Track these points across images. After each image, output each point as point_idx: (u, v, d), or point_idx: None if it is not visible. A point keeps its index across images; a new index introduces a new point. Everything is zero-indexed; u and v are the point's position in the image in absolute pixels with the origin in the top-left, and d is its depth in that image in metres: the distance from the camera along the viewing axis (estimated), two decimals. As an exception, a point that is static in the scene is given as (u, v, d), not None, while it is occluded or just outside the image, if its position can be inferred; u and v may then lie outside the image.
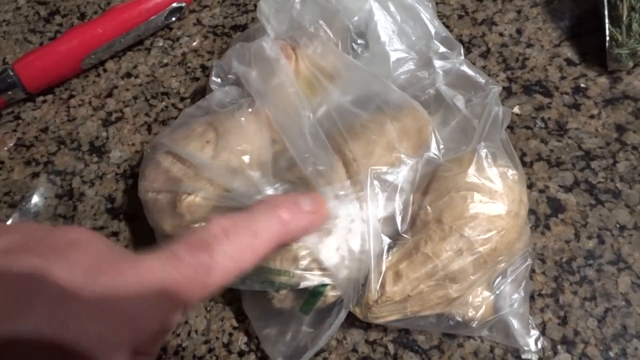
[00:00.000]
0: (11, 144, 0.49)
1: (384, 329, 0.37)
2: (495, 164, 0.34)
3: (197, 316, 0.39)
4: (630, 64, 0.45)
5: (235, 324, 0.38)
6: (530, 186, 0.41)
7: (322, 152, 0.34)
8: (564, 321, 0.36)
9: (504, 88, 0.47)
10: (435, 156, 0.36)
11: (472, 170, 0.34)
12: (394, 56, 0.40)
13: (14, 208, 0.45)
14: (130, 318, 0.19)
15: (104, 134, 0.48)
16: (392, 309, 0.33)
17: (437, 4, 0.52)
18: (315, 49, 0.39)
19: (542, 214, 0.40)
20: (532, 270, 0.38)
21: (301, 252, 0.32)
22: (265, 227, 0.24)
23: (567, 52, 0.48)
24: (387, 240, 0.34)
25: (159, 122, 0.48)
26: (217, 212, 0.34)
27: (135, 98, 0.50)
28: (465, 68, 0.40)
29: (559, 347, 0.36)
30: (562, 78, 0.47)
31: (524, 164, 0.42)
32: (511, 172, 0.34)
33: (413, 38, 0.41)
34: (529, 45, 0.49)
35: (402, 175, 0.35)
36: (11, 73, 0.47)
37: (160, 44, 0.54)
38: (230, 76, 0.41)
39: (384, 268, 0.33)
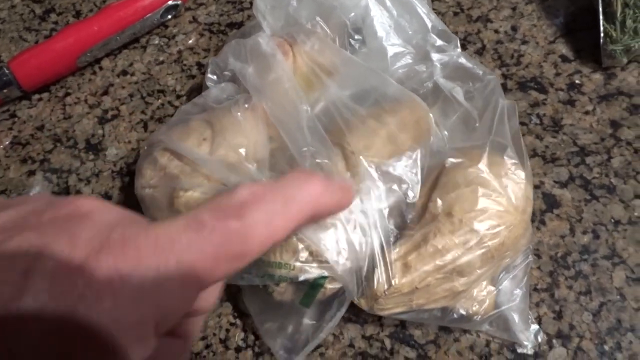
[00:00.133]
0: (7, 142, 0.49)
1: (380, 324, 0.37)
2: (505, 160, 0.34)
3: (194, 313, 0.39)
4: (625, 60, 0.46)
5: (232, 320, 0.38)
6: (525, 182, 0.42)
7: (320, 146, 0.35)
8: (559, 315, 0.37)
9: (499, 84, 0.47)
10: (438, 147, 0.36)
11: (482, 165, 0.34)
12: (391, 51, 0.41)
13: (10, 206, 0.45)
14: (147, 294, 0.17)
15: (100, 131, 0.48)
16: (398, 301, 0.33)
17: (432, 0, 0.52)
18: (313, 45, 0.39)
19: (538, 209, 0.41)
20: (528, 265, 0.38)
21: (301, 245, 0.32)
22: (299, 196, 0.21)
23: (562, 48, 0.49)
24: (392, 232, 0.34)
25: (155, 120, 0.48)
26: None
27: (131, 96, 0.50)
28: (462, 60, 0.40)
29: (554, 341, 0.36)
30: (557, 74, 0.47)
31: (519, 159, 0.43)
32: (520, 169, 0.34)
33: (410, 32, 0.41)
34: (524, 42, 0.49)
35: (402, 166, 0.35)
36: (6, 71, 0.47)
37: (156, 41, 0.53)
38: (226, 73, 0.41)
39: (392, 259, 0.33)
